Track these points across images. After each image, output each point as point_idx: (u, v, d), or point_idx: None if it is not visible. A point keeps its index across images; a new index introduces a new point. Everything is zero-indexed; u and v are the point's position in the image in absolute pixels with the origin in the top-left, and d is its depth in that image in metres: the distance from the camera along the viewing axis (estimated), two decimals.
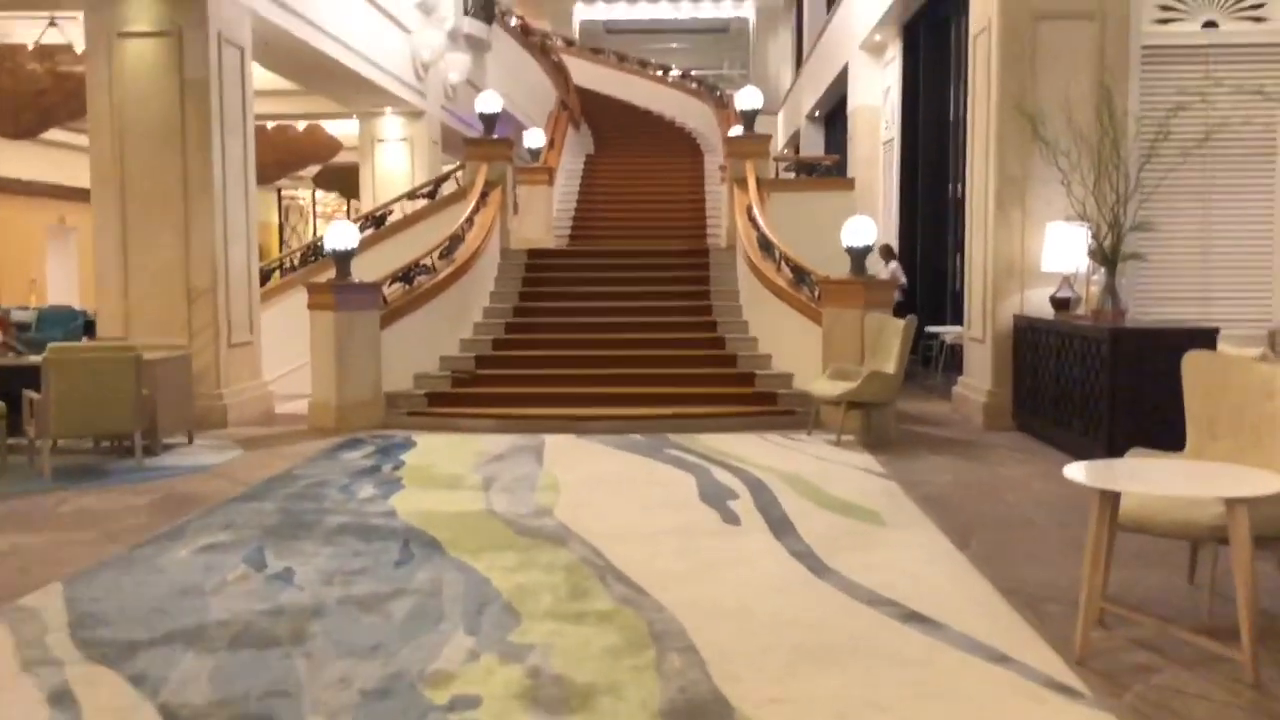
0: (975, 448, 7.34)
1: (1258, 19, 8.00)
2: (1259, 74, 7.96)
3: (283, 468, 6.67)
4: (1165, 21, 8.02)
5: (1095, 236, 7.03)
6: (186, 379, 7.58)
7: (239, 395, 8.57)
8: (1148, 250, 7.49)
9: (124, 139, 8.17)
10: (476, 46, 16.27)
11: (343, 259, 8.31)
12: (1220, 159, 7.92)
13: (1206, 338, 6.08)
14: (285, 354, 9.60)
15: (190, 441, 7.55)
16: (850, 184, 11.56)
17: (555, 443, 7.54)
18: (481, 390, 8.74)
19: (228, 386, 8.44)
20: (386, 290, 8.70)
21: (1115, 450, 5.33)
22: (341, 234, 8.32)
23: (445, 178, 11.93)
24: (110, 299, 8.32)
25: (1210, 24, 8.00)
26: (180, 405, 7.44)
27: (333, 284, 8.22)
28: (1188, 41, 8.03)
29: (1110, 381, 6.29)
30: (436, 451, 7.21)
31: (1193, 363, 4.04)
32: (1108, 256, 6.93)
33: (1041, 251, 7.77)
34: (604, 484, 6.19)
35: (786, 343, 8.90)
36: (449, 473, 6.47)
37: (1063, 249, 7.55)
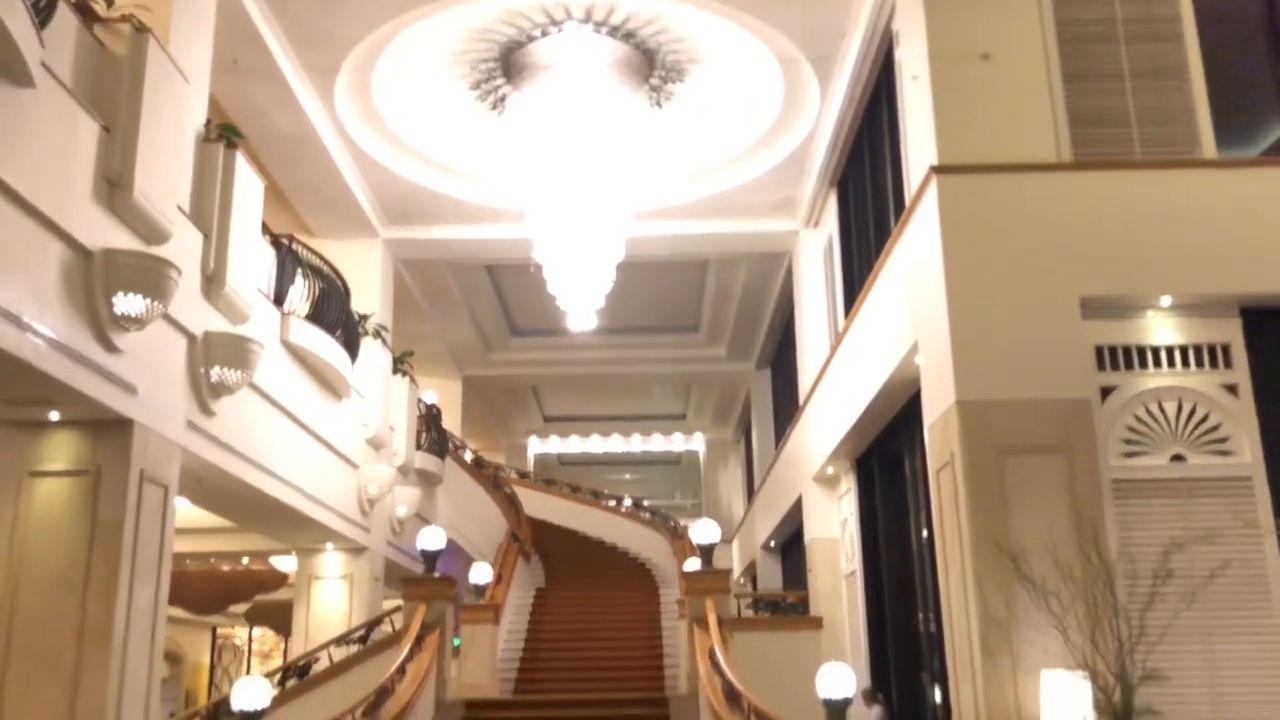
0: None
1: (1224, 453, 7.82)
2: (1232, 508, 7.64)
3: None
4: (1132, 455, 7.81)
5: (1101, 689, 6.28)
6: None
7: None
8: (1156, 700, 6.71)
9: (19, 585, 7.34)
10: (428, 480, 16.02)
11: None
12: (1216, 599, 7.36)
13: None
14: None
15: None
16: (818, 623, 10.89)
17: None
18: None
19: None
20: None
21: None
22: (251, 692, 7.34)
23: (378, 621, 11.09)
24: None
25: (1178, 458, 7.80)
26: None
27: None
28: (1157, 475, 7.77)
29: None
30: None
31: None
32: (1119, 714, 6.14)
33: (1039, 703, 6.95)
34: None
35: None
36: None
37: (1063, 702, 6.73)
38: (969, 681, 7.50)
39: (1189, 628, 7.24)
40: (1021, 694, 7.09)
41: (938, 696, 10.30)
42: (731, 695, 8.62)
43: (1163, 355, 8.04)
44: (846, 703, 7.26)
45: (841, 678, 7.31)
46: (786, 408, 18.40)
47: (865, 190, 12.49)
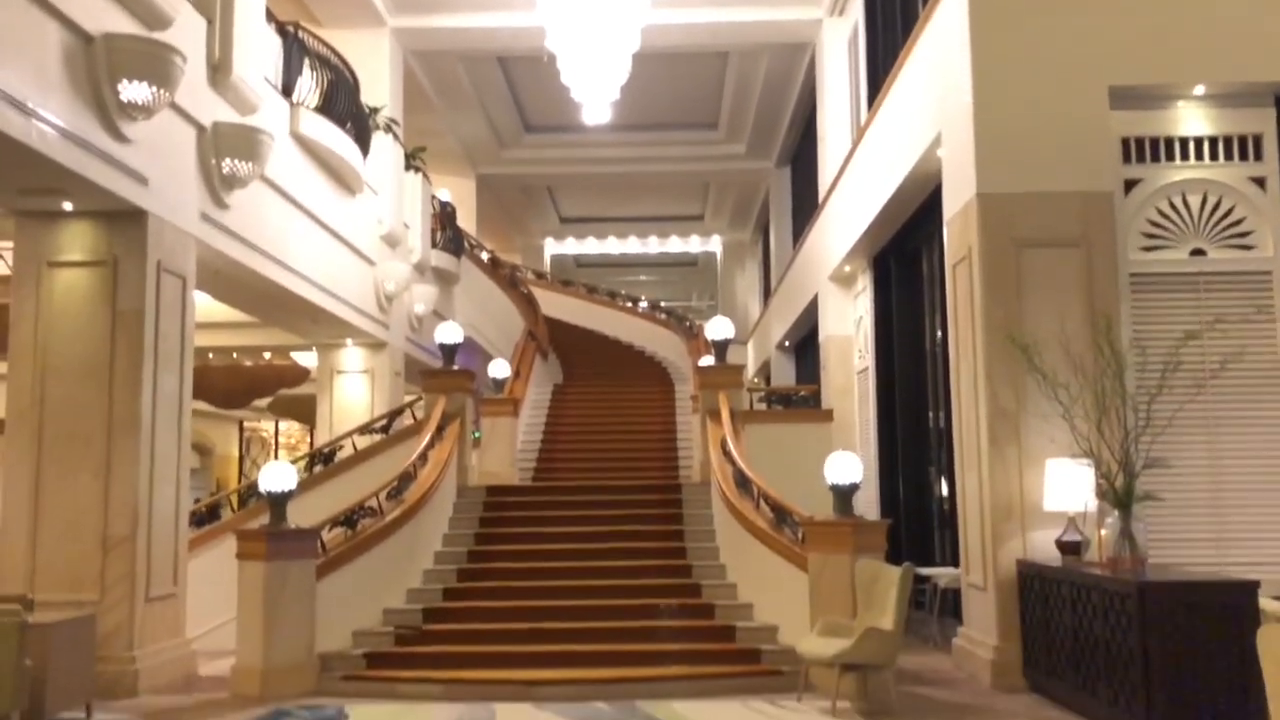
0: (989, 716, 6.46)
1: (1245, 247, 7.73)
2: (1250, 301, 7.62)
3: None
4: (1151, 249, 7.74)
5: (1105, 476, 6.43)
6: (88, 643, 6.65)
7: (155, 657, 7.59)
8: (1157, 488, 6.87)
9: (46, 373, 7.53)
10: (444, 279, 16.07)
11: (278, 502, 7.56)
12: (1223, 390, 7.45)
13: (1245, 591, 5.40)
14: (219, 605, 8.66)
15: (88, 716, 6.55)
16: (828, 415, 11.07)
17: (509, 716, 6.59)
18: (427, 649, 7.81)
19: (142, 648, 7.46)
20: (326, 535, 7.91)
21: None
22: (278, 475, 7.60)
23: (400, 411, 11.34)
24: (16, 549, 7.46)
25: (1198, 252, 7.72)
26: (78, 673, 6.47)
27: (265, 530, 7.43)
28: (1176, 269, 7.72)
29: (1142, 643, 5.52)
30: None
31: (1269, 640, 3.34)
32: (1120, 498, 6.30)
33: (1042, 490, 7.15)
34: None
35: (769, 590, 8.10)
36: None
37: (1066, 488, 6.93)
38: (974, 471, 7.69)
39: (1195, 418, 7.36)
40: (1026, 482, 7.28)
41: (944, 489, 10.60)
42: (742, 482, 8.89)
43: (1190, 147, 7.85)
44: (854, 488, 7.48)
45: (848, 465, 7.52)
46: (806, 207, 18.20)
47: None
